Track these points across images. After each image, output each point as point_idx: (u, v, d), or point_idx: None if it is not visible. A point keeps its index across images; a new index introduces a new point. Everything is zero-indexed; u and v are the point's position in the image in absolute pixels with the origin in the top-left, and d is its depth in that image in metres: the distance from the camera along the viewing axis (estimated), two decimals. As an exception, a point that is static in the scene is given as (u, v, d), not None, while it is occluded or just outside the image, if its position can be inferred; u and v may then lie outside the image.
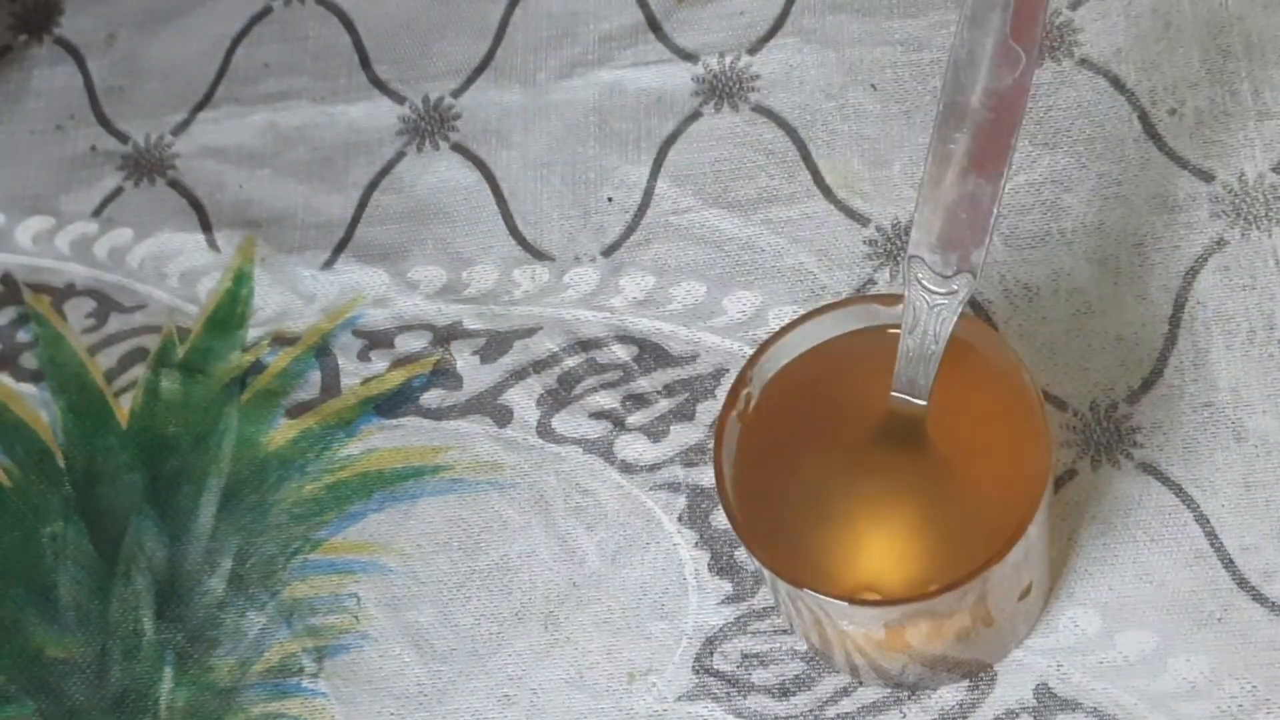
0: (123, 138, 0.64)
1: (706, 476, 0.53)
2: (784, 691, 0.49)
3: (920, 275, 0.41)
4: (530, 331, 0.56)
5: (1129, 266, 0.53)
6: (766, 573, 0.42)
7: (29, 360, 0.60)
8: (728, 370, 0.54)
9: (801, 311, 0.47)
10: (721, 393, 0.54)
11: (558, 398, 0.55)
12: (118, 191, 0.63)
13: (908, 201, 0.55)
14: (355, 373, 0.57)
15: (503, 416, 0.55)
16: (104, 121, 0.65)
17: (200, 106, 0.64)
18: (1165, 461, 0.50)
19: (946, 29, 0.58)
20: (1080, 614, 0.48)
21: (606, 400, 0.55)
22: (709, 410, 0.54)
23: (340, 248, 0.60)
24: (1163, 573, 0.48)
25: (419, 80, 0.62)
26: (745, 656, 0.50)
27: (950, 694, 0.48)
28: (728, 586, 0.51)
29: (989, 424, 0.42)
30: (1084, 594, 0.49)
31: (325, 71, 0.63)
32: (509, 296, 0.57)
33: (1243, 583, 0.48)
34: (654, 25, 0.61)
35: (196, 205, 0.62)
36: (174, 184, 0.63)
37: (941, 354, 0.41)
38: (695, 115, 0.59)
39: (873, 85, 0.58)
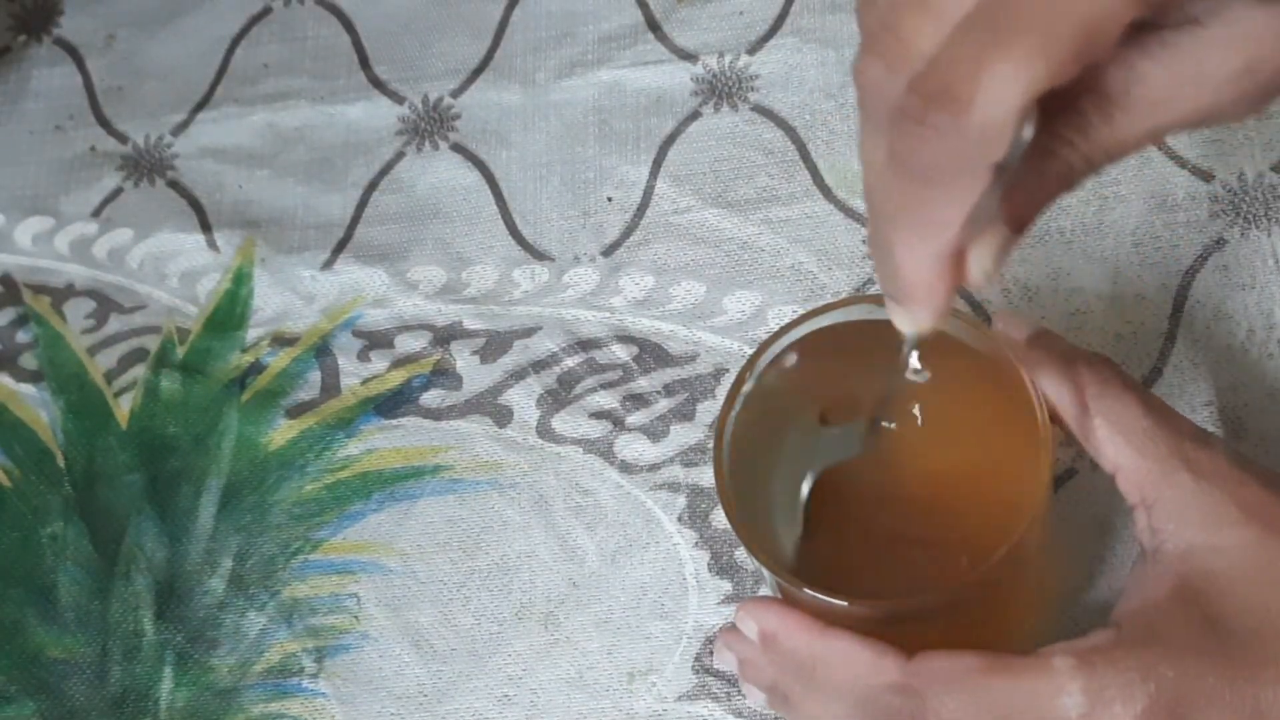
0: (122, 138, 0.64)
1: (706, 476, 0.53)
2: (784, 691, 0.49)
3: None
4: (530, 331, 0.56)
5: (1128, 266, 0.53)
6: (766, 573, 0.42)
7: (29, 360, 0.60)
8: (727, 370, 0.54)
9: (801, 311, 0.47)
10: (721, 392, 0.54)
11: (557, 398, 0.55)
12: (117, 192, 0.63)
13: (907, 201, 0.55)
14: (355, 373, 0.57)
15: (502, 416, 0.55)
16: (103, 122, 0.65)
17: (200, 107, 0.64)
18: (1165, 461, 0.50)
19: (946, 28, 0.58)
20: (1080, 614, 0.48)
21: (606, 400, 0.55)
22: (709, 410, 0.54)
23: (340, 248, 0.60)
24: (1162, 572, 0.48)
25: (418, 80, 0.62)
26: (745, 656, 0.50)
27: (950, 693, 0.48)
28: (728, 586, 0.51)
29: (988, 424, 0.42)
30: (1085, 594, 0.48)
31: (324, 72, 0.63)
32: (509, 296, 0.57)
33: (1242, 582, 0.48)
34: (653, 25, 0.61)
35: (196, 205, 0.62)
36: (173, 184, 0.63)
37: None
38: (695, 115, 0.59)
39: (872, 85, 0.58)
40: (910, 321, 0.37)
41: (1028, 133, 0.32)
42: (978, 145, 0.31)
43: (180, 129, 0.64)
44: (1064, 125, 0.35)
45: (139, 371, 0.59)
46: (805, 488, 0.43)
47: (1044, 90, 0.31)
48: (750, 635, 0.41)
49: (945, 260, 0.35)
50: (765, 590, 0.50)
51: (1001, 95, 0.31)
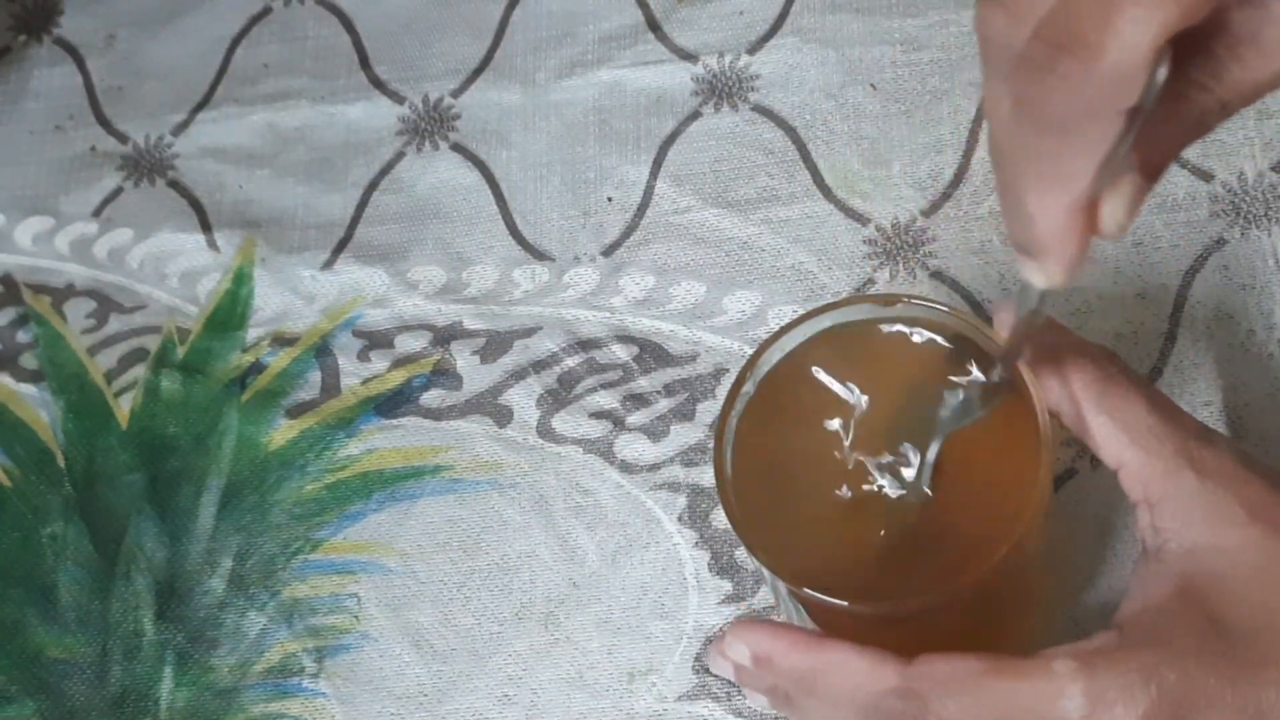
0: (122, 138, 0.64)
1: (706, 476, 0.53)
2: (784, 691, 0.49)
3: None
4: (530, 331, 0.56)
5: (1128, 265, 0.53)
6: (766, 573, 0.42)
7: (29, 360, 0.60)
8: (728, 370, 0.54)
9: (801, 311, 0.47)
10: (721, 392, 0.54)
11: (558, 398, 0.55)
12: (117, 192, 0.63)
13: (907, 201, 0.55)
14: (355, 373, 0.57)
15: (503, 416, 0.55)
16: (104, 122, 0.65)
17: (200, 107, 0.64)
18: (1165, 461, 0.50)
19: (946, 28, 0.58)
20: (1080, 615, 0.48)
21: (606, 400, 0.55)
22: (709, 410, 0.54)
23: (340, 248, 0.60)
24: (1163, 572, 0.48)
25: (418, 80, 0.62)
26: (745, 656, 0.50)
27: (950, 693, 0.48)
28: (728, 586, 0.51)
29: (988, 424, 0.42)
30: (1085, 594, 0.48)
31: (325, 71, 0.63)
32: (509, 296, 0.57)
33: (1243, 582, 0.48)
34: (653, 25, 0.61)
35: (196, 205, 0.62)
36: (174, 184, 0.63)
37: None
38: (695, 115, 0.59)
39: (872, 85, 0.58)
40: (1043, 275, 0.36)
41: (1161, 76, 0.31)
42: (1110, 92, 0.31)
43: (180, 129, 0.64)
44: (1195, 68, 0.33)
45: (139, 371, 0.59)
46: (805, 488, 0.43)
47: (1177, 32, 0.30)
48: (743, 660, 0.41)
49: (1078, 211, 0.34)
50: (765, 590, 0.50)
51: (1133, 39, 0.30)
